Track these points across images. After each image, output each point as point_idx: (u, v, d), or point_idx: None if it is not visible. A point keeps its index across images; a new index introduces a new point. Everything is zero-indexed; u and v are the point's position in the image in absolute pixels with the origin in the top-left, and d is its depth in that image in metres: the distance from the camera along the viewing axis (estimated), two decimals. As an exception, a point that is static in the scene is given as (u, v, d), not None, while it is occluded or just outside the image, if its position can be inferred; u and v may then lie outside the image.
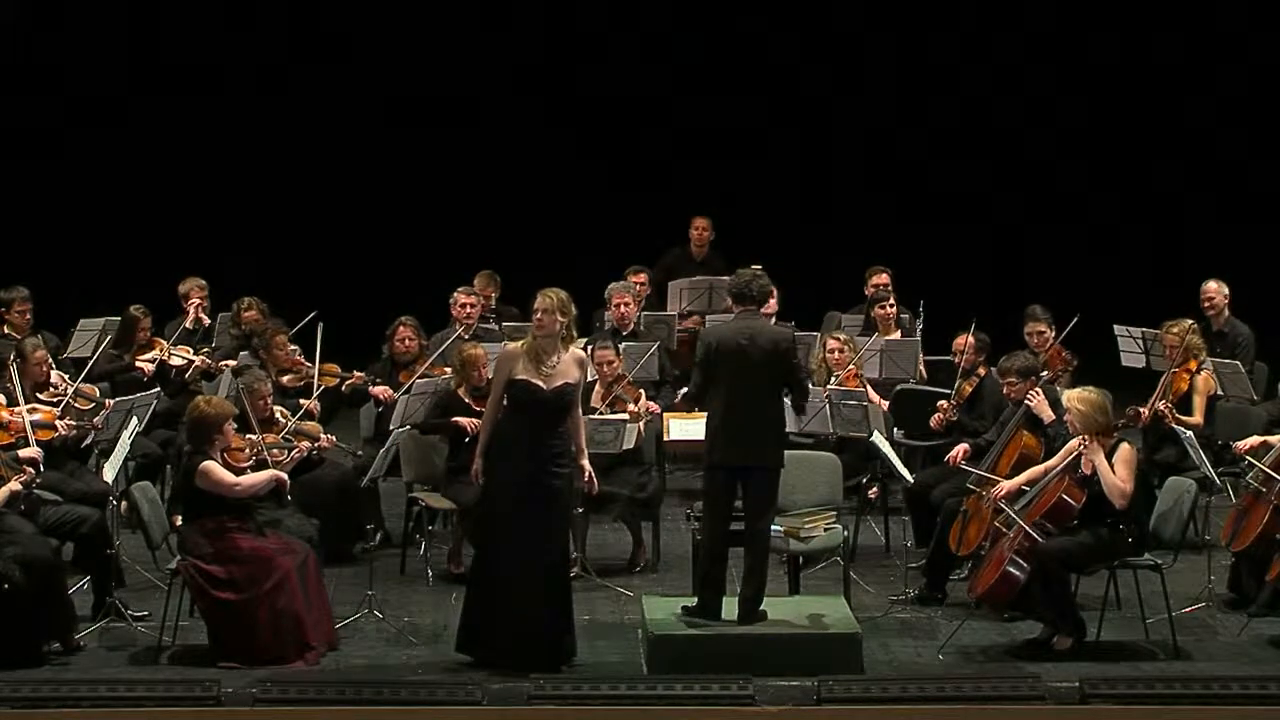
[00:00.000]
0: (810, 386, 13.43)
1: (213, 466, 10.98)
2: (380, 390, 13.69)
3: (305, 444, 12.14)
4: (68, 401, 12.66)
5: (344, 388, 13.73)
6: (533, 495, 10.68)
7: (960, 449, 12.40)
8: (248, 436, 11.70)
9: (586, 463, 10.91)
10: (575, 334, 10.97)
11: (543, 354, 10.73)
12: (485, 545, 10.99)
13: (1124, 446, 11.05)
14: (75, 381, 12.91)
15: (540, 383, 10.69)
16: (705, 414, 11.07)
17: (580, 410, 10.99)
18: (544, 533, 10.69)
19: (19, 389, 12.24)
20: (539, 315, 10.78)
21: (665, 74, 19.45)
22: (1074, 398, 11.21)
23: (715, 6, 19.50)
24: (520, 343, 10.92)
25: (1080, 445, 11.05)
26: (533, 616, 10.66)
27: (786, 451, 11.11)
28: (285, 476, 11.43)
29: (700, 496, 11.25)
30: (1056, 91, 19.55)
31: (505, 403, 10.79)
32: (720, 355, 10.88)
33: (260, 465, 11.52)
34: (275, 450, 11.86)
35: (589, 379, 13.22)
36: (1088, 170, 19.60)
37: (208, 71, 19.14)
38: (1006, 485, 11.25)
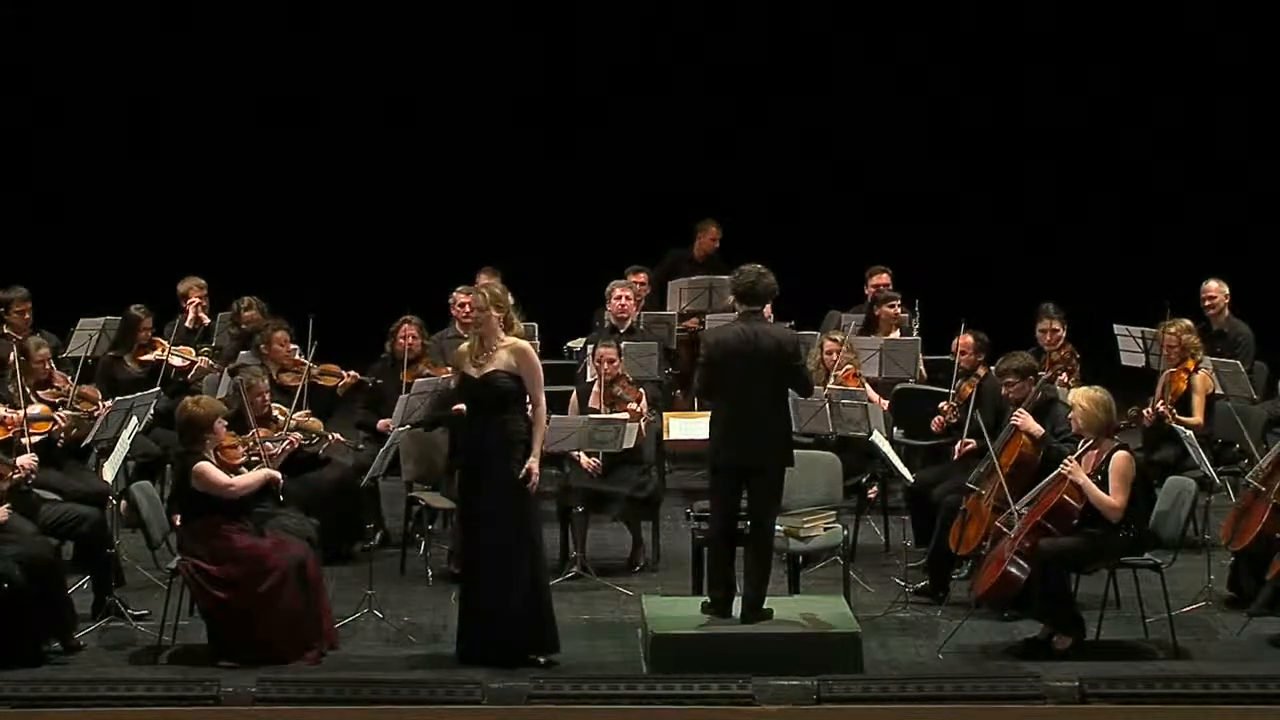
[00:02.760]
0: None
1: (207, 467, 10.96)
2: (384, 424, 13.49)
3: (296, 436, 12.10)
4: (69, 404, 12.65)
5: (338, 390, 13.70)
6: (481, 485, 10.77)
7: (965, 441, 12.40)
8: (242, 436, 11.70)
9: (534, 463, 10.78)
10: (517, 321, 11.03)
11: (480, 346, 10.90)
12: (464, 542, 11.11)
13: (1119, 456, 10.99)
14: (75, 382, 12.90)
15: (472, 372, 10.84)
16: (708, 413, 11.05)
17: (541, 409, 10.91)
18: (501, 522, 10.71)
19: (21, 388, 12.24)
20: (473, 313, 11.02)
21: (665, 73, 19.44)
22: (1079, 395, 11.23)
23: (717, 7, 19.49)
24: (466, 342, 11.12)
25: (1066, 469, 11.04)
26: (500, 608, 10.69)
27: (785, 451, 11.05)
28: (279, 475, 11.38)
29: (700, 496, 11.24)
30: (1055, 92, 19.54)
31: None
32: (724, 358, 10.82)
33: (254, 462, 11.53)
34: (268, 444, 11.85)
35: (589, 378, 13.29)
36: (1086, 169, 19.60)
37: (207, 70, 19.13)
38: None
